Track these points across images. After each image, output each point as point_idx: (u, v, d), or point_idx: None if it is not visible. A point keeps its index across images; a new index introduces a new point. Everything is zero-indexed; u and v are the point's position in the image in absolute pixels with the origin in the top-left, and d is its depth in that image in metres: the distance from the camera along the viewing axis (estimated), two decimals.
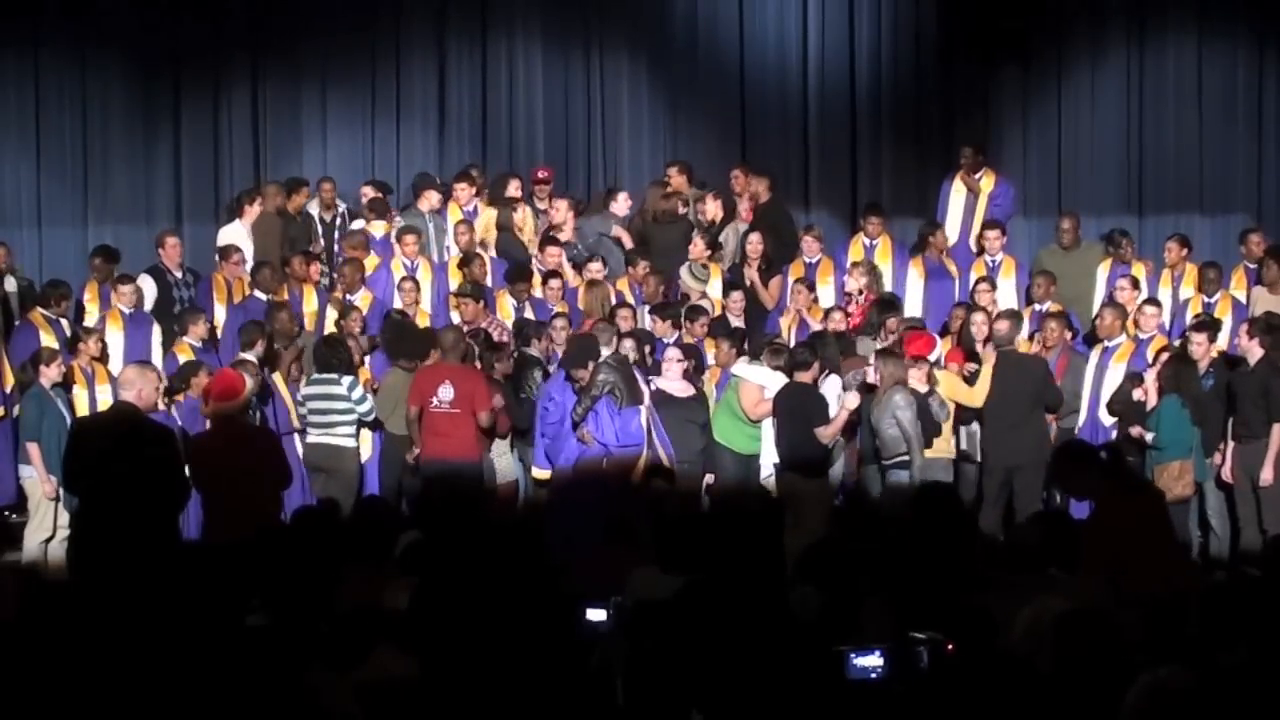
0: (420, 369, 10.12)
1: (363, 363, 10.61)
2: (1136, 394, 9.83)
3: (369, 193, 12.78)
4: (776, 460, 9.89)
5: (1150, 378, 9.83)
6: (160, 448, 7.78)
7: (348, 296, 11.50)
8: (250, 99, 13.77)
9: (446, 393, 9.75)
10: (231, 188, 13.59)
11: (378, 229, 12.40)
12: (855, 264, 11.88)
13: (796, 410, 9.65)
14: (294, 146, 13.93)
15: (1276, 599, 5.24)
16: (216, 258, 12.04)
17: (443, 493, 9.58)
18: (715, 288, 11.99)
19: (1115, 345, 10.53)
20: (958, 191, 12.79)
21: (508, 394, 10.20)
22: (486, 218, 12.57)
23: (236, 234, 12.24)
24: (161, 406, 9.58)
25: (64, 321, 10.87)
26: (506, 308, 11.49)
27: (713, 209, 12.72)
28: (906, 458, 9.38)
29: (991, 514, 9.80)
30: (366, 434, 10.28)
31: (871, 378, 10.10)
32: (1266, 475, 9.62)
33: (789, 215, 13.20)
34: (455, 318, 11.30)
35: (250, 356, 10.09)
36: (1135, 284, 11.22)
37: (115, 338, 10.95)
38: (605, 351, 10.01)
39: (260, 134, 13.83)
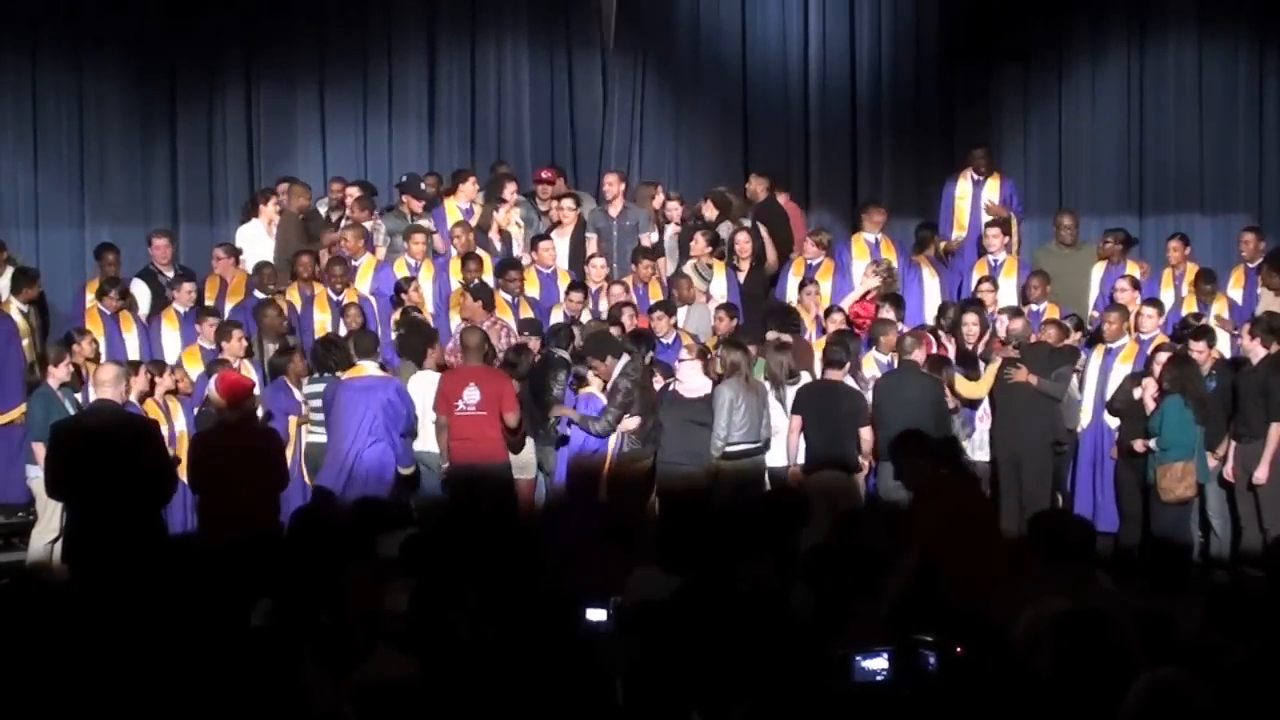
0: (444, 374, 10.08)
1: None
2: (1136, 392, 9.82)
3: (354, 193, 12.75)
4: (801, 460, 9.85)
5: (1148, 380, 9.80)
6: (143, 439, 7.80)
7: (334, 295, 11.46)
8: (244, 100, 13.77)
9: (472, 395, 9.67)
10: (227, 188, 13.60)
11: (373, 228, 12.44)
12: (874, 263, 11.88)
13: (830, 408, 9.63)
14: (288, 147, 13.91)
15: (1277, 599, 5.24)
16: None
17: (473, 497, 9.55)
18: (719, 285, 12.00)
19: (1119, 347, 10.53)
20: (963, 195, 12.76)
21: (525, 396, 10.18)
22: (480, 218, 12.58)
23: (254, 234, 12.24)
24: (157, 407, 9.57)
25: (31, 310, 10.98)
26: (503, 303, 11.46)
27: (705, 209, 12.75)
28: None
29: (1010, 506, 9.75)
30: None
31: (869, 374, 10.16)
32: (1261, 474, 9.62)
33: (786, 215, 13.21)
34: (453, 318, 11.30)
35: (226, 356, 10.14)
36: (1135, 284, 11.20)
37: (171, 336, 11.03)
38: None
39: (254, 135, 13.82)
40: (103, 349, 10.62)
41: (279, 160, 13.76)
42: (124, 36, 13.37)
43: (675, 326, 11.09)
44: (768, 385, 9.91)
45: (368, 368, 9.88)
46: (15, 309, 10.91)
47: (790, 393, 9.91)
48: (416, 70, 14.28)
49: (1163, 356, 9.82)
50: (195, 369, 10.48)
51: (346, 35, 14.09)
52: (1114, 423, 10.21)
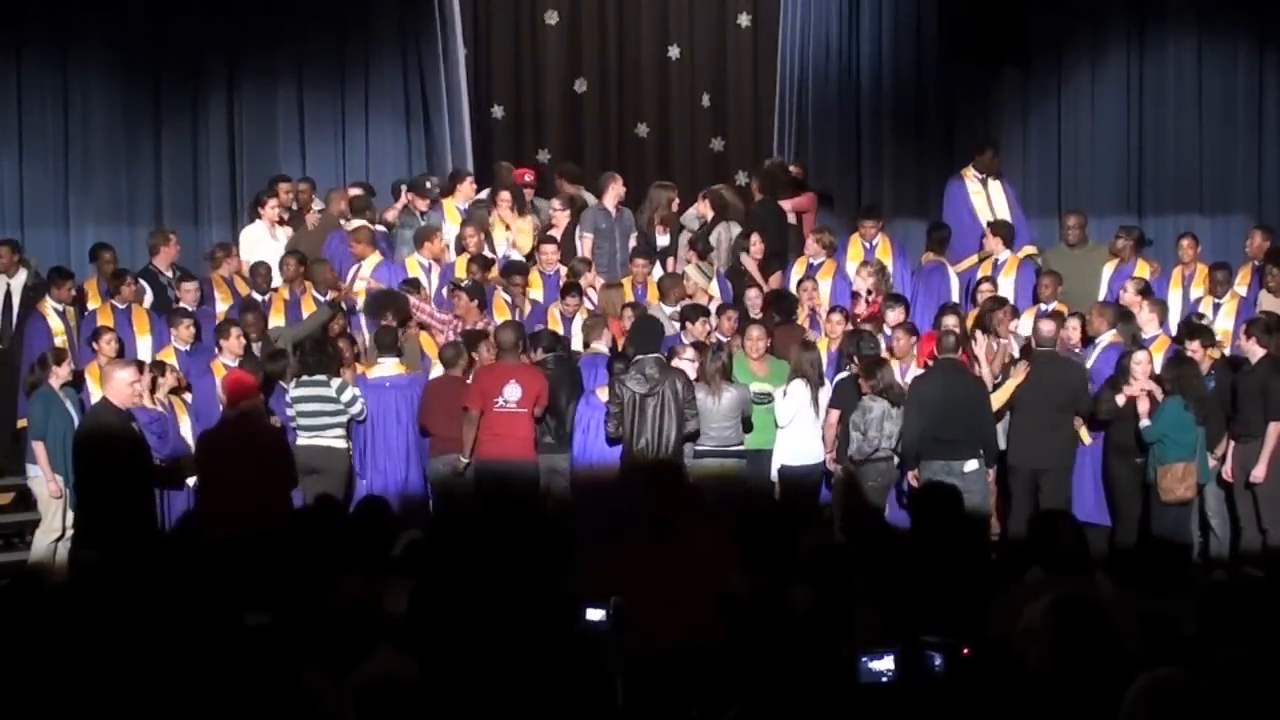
0: (481, 368, 10.07)
1: (358, 359, 10.57)
2: (1120, 399, 9.75)
3: (355, 191, 12.78)
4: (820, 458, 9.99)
5: (1140, 385, 9.74)
6: (127, 444, 7.90)
7: (320, 296, 11.45)
8: (226, 101, 13.69)
9: (513, 392, 9.70)
10: (210, 189, 13.56)
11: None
12: (863, 264, 11.89)
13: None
14: (270, 149, 13.81)
15: (1277, 599, 5.24)
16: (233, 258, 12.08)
17: (503, 495, 9.56)
18: (713, 286, 12.04)
19: (1103, 343, 10.49)
20: (977, 195, 12.75)
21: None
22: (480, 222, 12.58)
23: (256, 235, 12.24)
24: (148, 404, 9.53)
25: (69, 310, 10.96)
26: (502, 304, 11.46)
27: (702, 208, 12.77)
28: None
29: (1020, 517, 9.58)
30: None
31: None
32: (1258, 473, 9.61)
33: (784, 215, 13.23)
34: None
35: (225, 354, 10.19)
36: (1141, 288, 11.14)
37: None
38: (600, 344, 10.36)
39: (236, 136, 13.73)
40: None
41: (260, 162, 13.69)
42: (109, 36, 13.31)
43: (710, 331, 11.07)
44: (802, 383, 9.92)
45: (389, 364, 9.99)
46: (50, 308, 10.93)
47: (803, 391, 9.94)
48: (393, 71, 14.20)
49: (1141, 358, 9.77)
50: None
51: (326, 35, 14.02)
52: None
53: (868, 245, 12.36)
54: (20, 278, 11.42)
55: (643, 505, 7.07)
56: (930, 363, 10.16)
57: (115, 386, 8.36)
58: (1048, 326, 10.13)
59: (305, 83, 13.96)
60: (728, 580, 6.17)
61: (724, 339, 10.77)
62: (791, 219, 13.11)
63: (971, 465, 9.42)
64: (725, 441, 9.71)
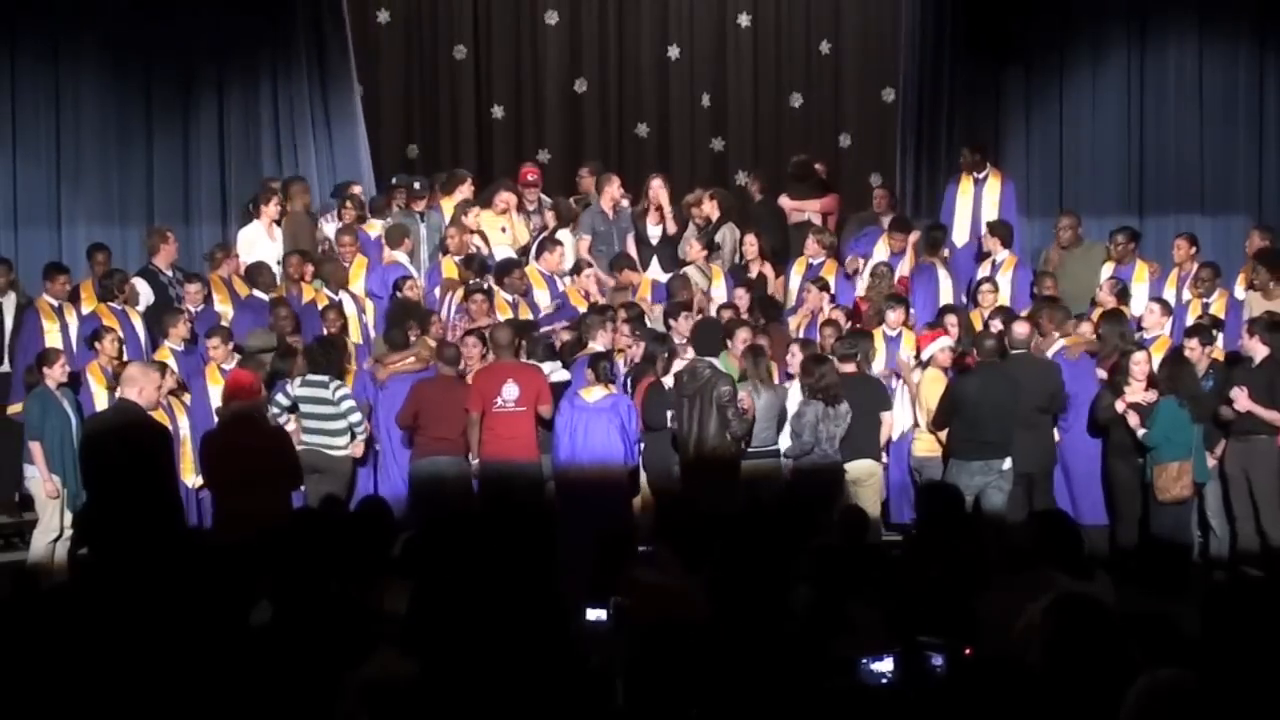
0: (479, 369, 10.05)
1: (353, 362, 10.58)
2: (1120, 405, 9.76)
3: (356, 189, 12.77)
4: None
5: (1131, 398, 9.75)
6: (155, 444, 7.86)
7: (333, 295, 11.45)
8: (217, 102, 13.66)
9: (511, 391, 9.68)
10: (201, 189, 13.55)
11: (374, 228, 12.48)
12: (881, 263, 11.91)
13: (859, 400, 9.78)
14: (256, 150, 13.74)
15: (1277, 599, 5.24)
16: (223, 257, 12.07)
17: (508, 496, 9.53)
18: (719, 289, 12.01)
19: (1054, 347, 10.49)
20: (964, 194, 12.75)
21: None
22: (480, 220, 12.59)
23: (254, 235, 12.25)
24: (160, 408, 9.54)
25: (66, 306, 11.00)
26: (504, 303, 11.46)
27: (709, 208, 12.74)
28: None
29: (1016, 518, 9.45)
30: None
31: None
32: (1243, 401, 9.58)
33: (783, 213, 13.22)
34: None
35: (212, 359, 10.24)
36: (1117, 287, 11.15)
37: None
38: (597, 344, 10.31)
39: (225, 137, 13.68)
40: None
41: (250, 164, 13.62)
42: (100, 36, 13.28)
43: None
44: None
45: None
46: (47, 303, 10.94)
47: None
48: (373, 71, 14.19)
49: (1140, 358, 9.76)
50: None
51: (302, 38, 13.89)
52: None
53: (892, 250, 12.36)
54: (11, 298, 11.40)
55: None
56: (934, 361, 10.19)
57: (146, 388, 8.29)
58: (1022, 329, 10.19)
59: (286, 85, 13.89)
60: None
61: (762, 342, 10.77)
62: (816, 220, 13.11)
63: (1008, 464, 9.58)
64: (763, 442, 9.71)
